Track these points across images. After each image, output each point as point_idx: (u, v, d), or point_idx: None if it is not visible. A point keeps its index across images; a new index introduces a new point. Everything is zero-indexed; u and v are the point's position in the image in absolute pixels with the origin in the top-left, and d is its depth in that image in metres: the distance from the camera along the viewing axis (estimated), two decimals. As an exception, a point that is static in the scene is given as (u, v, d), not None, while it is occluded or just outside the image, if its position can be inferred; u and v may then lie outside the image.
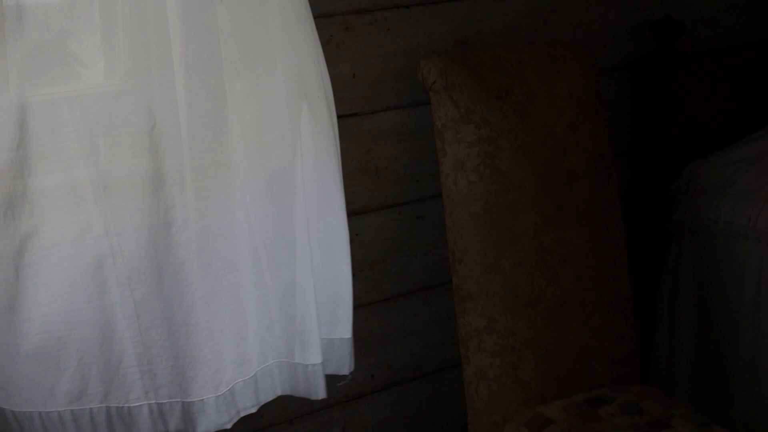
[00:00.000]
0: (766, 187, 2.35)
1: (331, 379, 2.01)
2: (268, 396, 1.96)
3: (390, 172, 2.22)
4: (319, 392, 1.95)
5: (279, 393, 1.97)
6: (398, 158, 2.23)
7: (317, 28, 1.84)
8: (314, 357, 1.93)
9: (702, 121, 2.58)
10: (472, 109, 2.04)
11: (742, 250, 2.35)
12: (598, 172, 2.17)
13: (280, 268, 1.89)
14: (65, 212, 1.72)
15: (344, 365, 2.02)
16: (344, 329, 1.99)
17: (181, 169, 1.78)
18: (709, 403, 2.46)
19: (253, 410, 1.94)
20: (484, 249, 2.04)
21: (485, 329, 2.05)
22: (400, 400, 2.34)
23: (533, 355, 2.06)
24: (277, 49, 1.82)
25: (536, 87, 2.13)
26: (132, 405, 1.82)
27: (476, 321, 2.05)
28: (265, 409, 2.00)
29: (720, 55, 2.66)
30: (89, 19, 1.72)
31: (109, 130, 1.74)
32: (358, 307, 2.17)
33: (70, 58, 1.71)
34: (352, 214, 2.15)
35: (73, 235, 1.73)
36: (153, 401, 1.84)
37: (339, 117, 2.10)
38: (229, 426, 1.91)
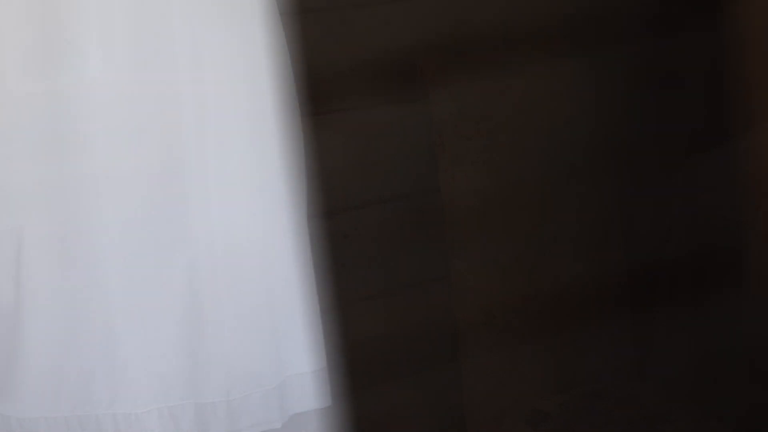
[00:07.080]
0: (766, 182, 2.35)
1: None
2: (284, 414, 1.82)
3: (387, 166, 2.21)
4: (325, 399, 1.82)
5: (291, 412, 1.82)
6: (396, 153, 2.22)
7: (314, 20, 1.83)
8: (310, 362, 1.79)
9: (702, 117, 2.57)
10: (471, 104, 2.04)
11: (742, 246, 2.35)
12: (598, 167, 2.16)
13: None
14: (61, 204, 1.68)
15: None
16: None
17: (195, 152, 1.73)
18: (708, 399, 2.45)
19: (276, 425, 1.79)
20: (482, 244, 2.04)
21: (483, 324, 2.04)
22: (398, 394, 2.34)
23: (531, 350, 2.05)
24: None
25: (535, 82, 2.12)
26: (140, 411, 1.74)
27: (474, 316, 2.05)
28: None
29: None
30: (88, 11, 1.71)
31: (106, 121, 1.71)
32: (356, 302, 2.16)
33: (69, 52, 1.69)
34: (349, 209, 2.14)
35: (70, 229, 1.68)
36: (163, 405, 1.75)
37: (336, 111, 2.09)
38: None
